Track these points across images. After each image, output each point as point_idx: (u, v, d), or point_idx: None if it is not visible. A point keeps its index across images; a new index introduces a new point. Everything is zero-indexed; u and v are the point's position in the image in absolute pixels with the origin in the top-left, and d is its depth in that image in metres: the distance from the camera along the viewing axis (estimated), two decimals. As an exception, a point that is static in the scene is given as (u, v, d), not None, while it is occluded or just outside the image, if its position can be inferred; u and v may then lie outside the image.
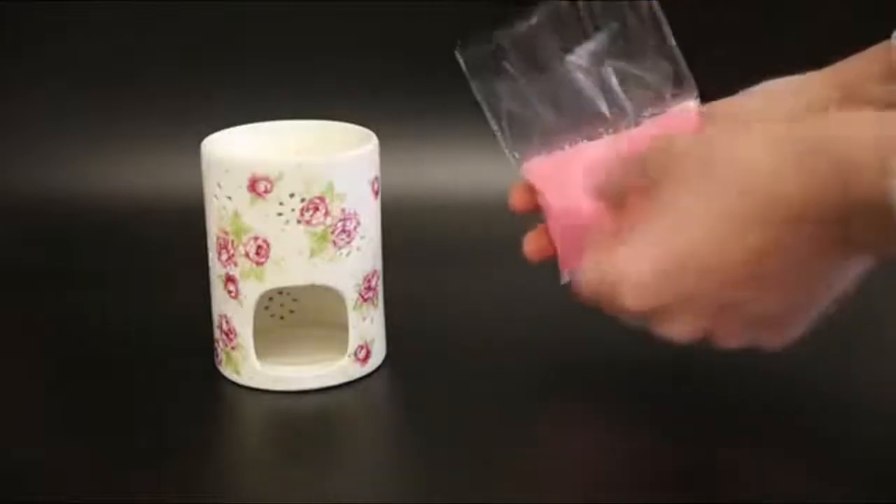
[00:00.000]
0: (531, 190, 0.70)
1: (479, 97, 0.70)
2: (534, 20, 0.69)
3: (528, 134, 0.70)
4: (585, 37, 0.69)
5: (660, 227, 0.60)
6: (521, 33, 0.69)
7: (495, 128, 0.71)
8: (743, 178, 0.57)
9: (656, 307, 0.60)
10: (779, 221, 0.56)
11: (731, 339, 0.62)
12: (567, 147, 0.70)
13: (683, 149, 0.60)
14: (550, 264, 0.71)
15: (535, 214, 0.71)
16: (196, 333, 0.79)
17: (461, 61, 0.69)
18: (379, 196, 0.76)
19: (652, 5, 0.68)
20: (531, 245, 0.71)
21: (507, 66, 0.68)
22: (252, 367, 0.75)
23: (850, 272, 0.60)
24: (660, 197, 0.60)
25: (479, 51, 0.69)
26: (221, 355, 0.76)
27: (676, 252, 0.59)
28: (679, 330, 0.61)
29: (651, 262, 0.60)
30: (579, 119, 0.70)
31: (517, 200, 0.71)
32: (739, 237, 0.57)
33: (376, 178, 0.75)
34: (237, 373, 0.75)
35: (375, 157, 0.75)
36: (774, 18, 1.04)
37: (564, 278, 0.70)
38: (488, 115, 0.70)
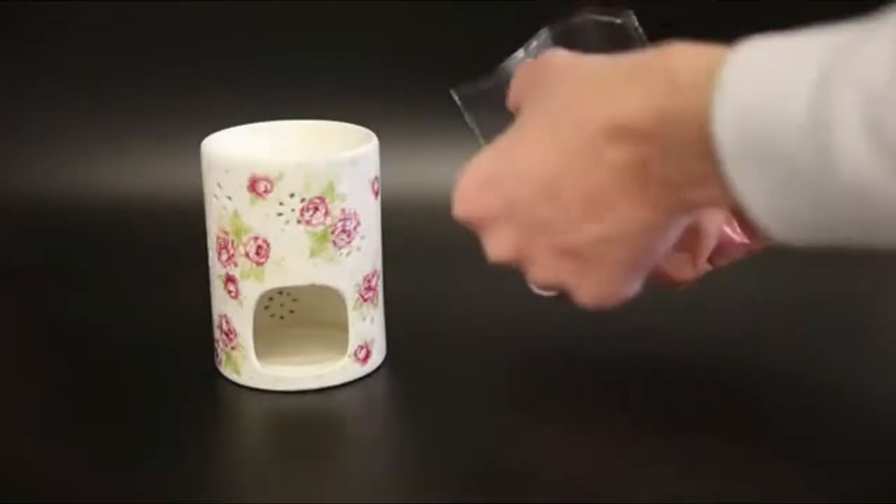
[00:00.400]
0: None
1: (471, 126, 0.70)
2: (528, 53, 0.68)
3: None
4: None
5: (501, 139, 0.61)
6: (514, 69, 0.68)
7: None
8: (573, 89, 0.57)
9: (474, 217, 0.61)
10: (598, 132, 0.55)
11: (542, 268, 0.60)
12: None
13: (551, 64, 0.60)
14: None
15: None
16: (196, 333, 0.79)
17: (455, 98, 0.69)
18: (379, 196, 0.76)
19: (642, 37, 0.68)
20: None
21: (500, 102, 0.68)
22: (252, 367, 0.75)
23: (669, 234, 0.58)
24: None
25: (473, 88, 0.69)
26: (221, 355, 0.76)
27: (497, 161, 0.60)
28: (494, 246, 0.61)
29: (471, 171, 0.61)
30: None
31: None
32: (557, 146, 0.57)
33: (376, 178, 0.75)
34: (237, 373, 0.75)
35: (375, 157, 0.75)
36: (769, 22, 1.04)
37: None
38: (482, 142, 0.70)
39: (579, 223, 0.57)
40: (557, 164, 0.57)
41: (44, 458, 0.68)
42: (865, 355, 0.80)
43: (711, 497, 0.63)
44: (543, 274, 0.60)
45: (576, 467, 0.67)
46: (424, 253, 0.95)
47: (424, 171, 1.06)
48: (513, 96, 0.64)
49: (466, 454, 0.68)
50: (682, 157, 0.53)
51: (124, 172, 1.07)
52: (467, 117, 0.70)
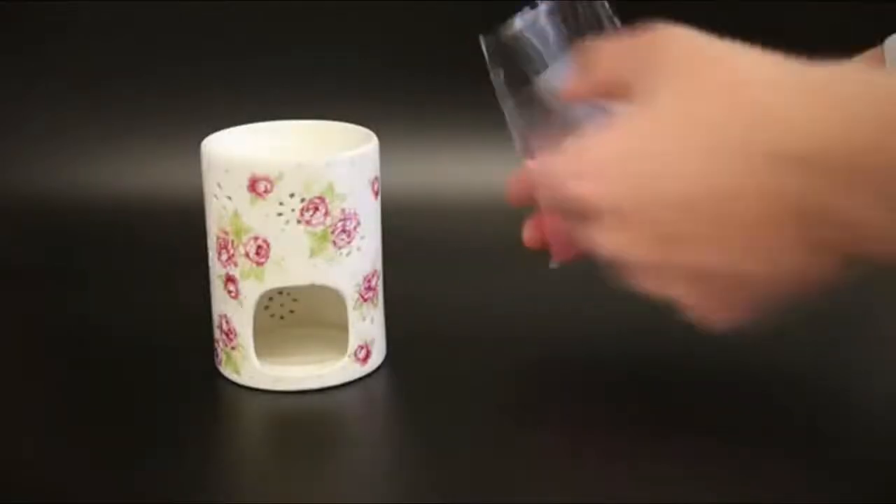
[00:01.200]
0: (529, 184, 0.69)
1: (494, 77, 0.69)
2: (541, 11, 0.68)
3: (537, 126, 0.69)
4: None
5: (633, 119, 0.53)
6: (530, 22, 0.68)
7: (509, 118, 0.70)
8: (738, 90, 0.49)
9: (599, 202, 0.53)
10: (765, 155, 0.47)
11: (666, 284, 0.53)
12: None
13: (675, 39, 0.53)
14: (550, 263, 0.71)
15: (531, 208, 0.71)
16: (196, 333, 0.79)
17: (484, 48, 0.68)
18: (379, 196, 0.76)
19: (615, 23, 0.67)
20: (529, 233, 0.70)
21: (529, 53, 0.67)
22: (252, 367, 0.75)
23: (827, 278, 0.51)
24: (638, 90, 0.53)
25: (501, 38, 0.68)
26: (221, 355, 0.76)
27: (642, 149, 0.52)
28: (606, 239, 0.54)
29: (615, 149, 0.53)
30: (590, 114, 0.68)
31: (514, 194, 0.70)
32: (714, 163, 0.49)
33: (376, 178, 0.75)
34: (237, 373, 0.75)
35: (375, 157, 0.75)
36: (765, 26, 1.04)
37: (553, 264, 0.70)
38: (501, 100, 0.69)
39: (714, 253, 0.50)
40: (708, 189, 0.49)
41: (44, 458, 0.68)
42: (865, 356, 0.80)
43: (711, 497, 0.63)
44: (661, 288, 0.54)
45: (575, 467, 0.67)
46: (424, 253, 0.95)
47: (424, 171, 1.06)
48: (611, 72, 0.57)
49: (466, 454, 0.68)
50: (871, 204, 0.45)
51: (124, 172, 1.07)
52: (492, 70, 0.69)
